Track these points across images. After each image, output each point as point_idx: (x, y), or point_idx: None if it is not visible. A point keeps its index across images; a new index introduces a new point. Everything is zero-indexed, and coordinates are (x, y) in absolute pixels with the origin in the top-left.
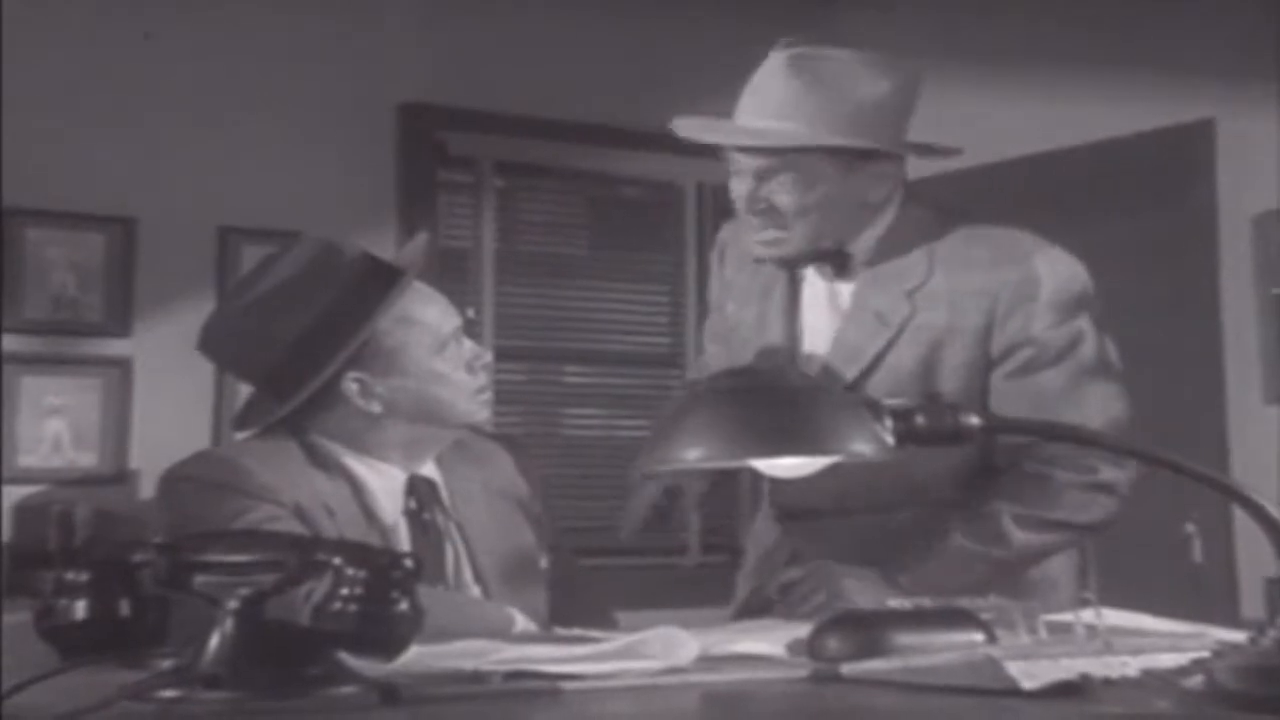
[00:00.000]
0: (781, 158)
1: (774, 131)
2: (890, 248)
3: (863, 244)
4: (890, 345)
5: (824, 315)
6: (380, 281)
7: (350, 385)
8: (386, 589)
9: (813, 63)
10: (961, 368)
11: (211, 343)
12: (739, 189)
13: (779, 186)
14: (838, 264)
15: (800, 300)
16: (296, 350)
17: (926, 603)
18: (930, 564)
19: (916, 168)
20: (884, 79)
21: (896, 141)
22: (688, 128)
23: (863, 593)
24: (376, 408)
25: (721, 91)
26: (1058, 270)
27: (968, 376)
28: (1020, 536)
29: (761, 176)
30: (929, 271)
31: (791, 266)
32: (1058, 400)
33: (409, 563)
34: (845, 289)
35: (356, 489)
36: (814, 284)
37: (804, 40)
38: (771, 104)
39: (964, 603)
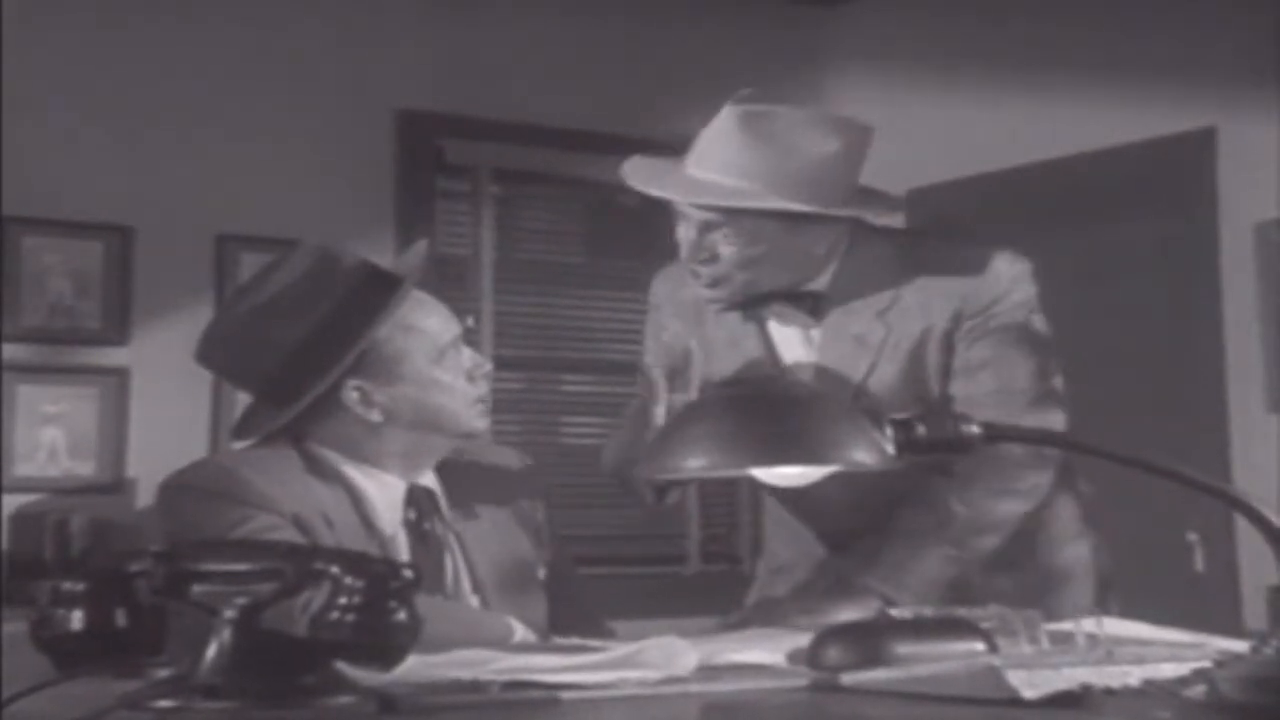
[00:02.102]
0: (728, 213)
1: (720, 188)
2: (852, 283)
3: (820, 284)
4: (873, 368)
5: (801, 355)
6: (379, 289)
7: (350, 393)
8: (385, 599)
9: (764, 121)
10: (939, 370)
11: (210, 352)
12: (685, 235)
13: (723, 238)
14: (809, 305)
15: (775, 347)
16: (296, 359)
17: (927, 612)
18: (887, 554)
19: (918, 176)
20: (834, 138)
21: (843, 200)
22: (637, 174)
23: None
24: (376, 416)
25: (720, 98)
26: (1015, 268)
27: (946, 380)
28: (960, 509)
29: (707, 228)
30: (897, 294)
31: (746, 307)
32: (996, 350)
33: (408, 572)
34: (816, 328)
35: (355, 498)
36: (784, 328)
37: (758, 96)
38: (721, 159)
39: (964, 612)
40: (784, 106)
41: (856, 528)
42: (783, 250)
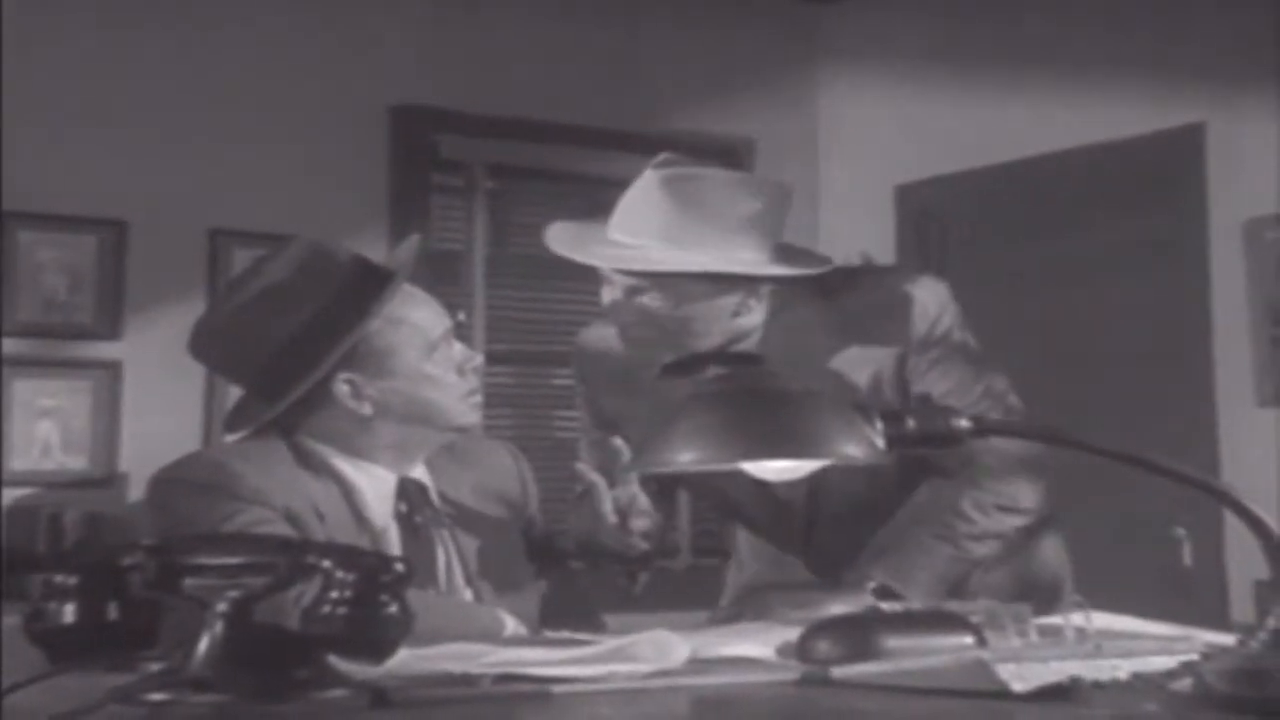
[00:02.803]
0: (653, 277)
1: (644, 252)
2: (784, 342)
3: (749, 345)
4: None
5: None
6: (371, 283)
7: (341, 387)
8: (376, 592)
9: (686, 184)
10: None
11: (202, 345)
12: (609, 297)
13: (650, 300)
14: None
15: None
16: (287, 352)
17: (916, 606)
18: (899, 551)
19: (910, 172)
20: (755, 199)
21: (768, 260)
22: (559, 241)
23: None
24: (367, 409)
25: (712, 95)
26: (938, 292)
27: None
28: (977, 515)
29: (633, 292)
30: (833, 351)
31: (679, 374)
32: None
33: (399, 566)
34: None
35: (347, 491)
36: None
37: (678, 161)
38: (645, 223)
39: (953, 606)
40: (705, 169)
41: (847, 556)
42: (709, 312)
